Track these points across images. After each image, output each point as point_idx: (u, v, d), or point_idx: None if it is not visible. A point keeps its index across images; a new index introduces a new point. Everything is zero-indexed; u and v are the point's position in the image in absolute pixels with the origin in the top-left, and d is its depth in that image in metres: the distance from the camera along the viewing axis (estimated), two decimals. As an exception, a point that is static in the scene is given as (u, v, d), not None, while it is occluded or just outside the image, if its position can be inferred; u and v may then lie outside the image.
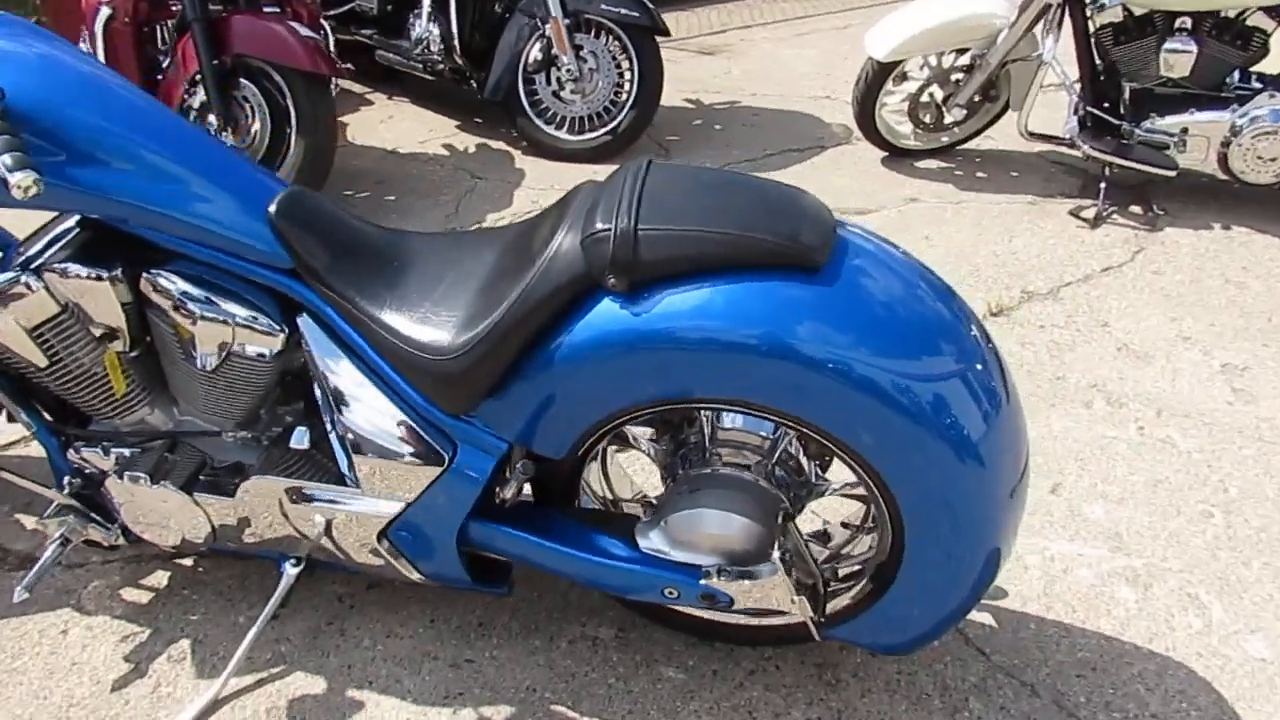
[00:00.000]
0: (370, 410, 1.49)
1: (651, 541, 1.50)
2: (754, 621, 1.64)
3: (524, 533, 1.54)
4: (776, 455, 1.51)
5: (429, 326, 1.41)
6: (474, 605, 1.83)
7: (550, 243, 1.33)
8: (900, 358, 1.28)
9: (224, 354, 1.52)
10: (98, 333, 1.55)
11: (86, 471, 1.69)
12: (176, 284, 1.49)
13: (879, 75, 3.57)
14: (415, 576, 1.64)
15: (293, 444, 1.58)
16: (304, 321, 1.50)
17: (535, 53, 3.79)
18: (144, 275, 1.50)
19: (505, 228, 1.56)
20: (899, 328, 1.29)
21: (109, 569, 1.91)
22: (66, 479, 1.70)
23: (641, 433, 1.61)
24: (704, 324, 1.27)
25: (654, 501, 1.67)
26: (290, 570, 1.68)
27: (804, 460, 1.55)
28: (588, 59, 3.78)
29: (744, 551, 1.45)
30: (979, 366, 1.35)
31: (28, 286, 1.48)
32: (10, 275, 1.48)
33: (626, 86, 3.82)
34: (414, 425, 1.47)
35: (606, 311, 1.31)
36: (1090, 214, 3.35)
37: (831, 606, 1.58)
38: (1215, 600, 1.86)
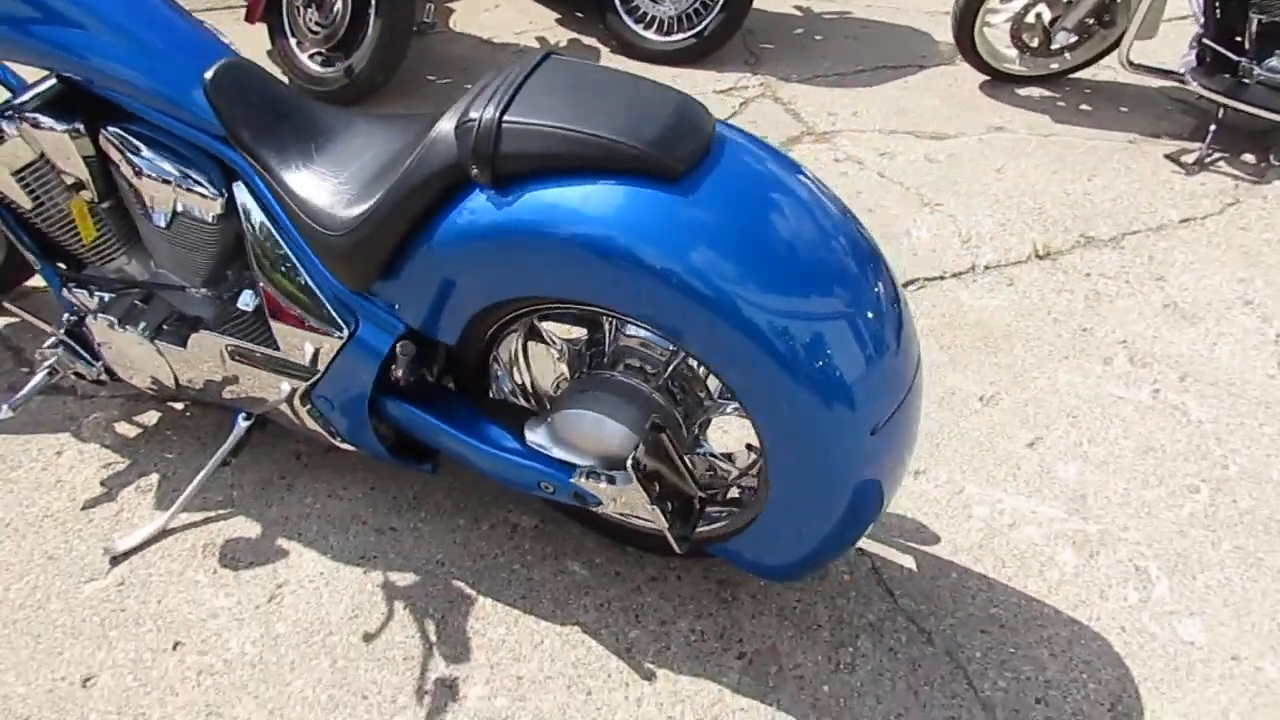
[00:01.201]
0: (286, 277, 1.57)
1: (536, 436, 1.54)
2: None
3: (424, 413, 1.60)
4: (671, 368, 1.50)
5: (330, 202, 1.46)
6: (415, 480, 1.92)
7: (431, 129, 1.34)
8: (749, 280, 1.24)
9: (171, 213, 1.63)
10: (69, 181, 1.68)
11: (77, 310, 1.85)
12: (127, 142, 1.59)
13: (980, -8, 3.33)
14: (339, 443, 1.73)
15: (240, 304, 1.69)
16: (237, 187, 1.58)
17: (626, -50, 3.72)
18: (101, 131, 1.60)
19: (427, 112, 1.58)
20: (757, 249, 1.25)
21: (111, 403, 2.10)
22: (64, 316, 1.87)
23: (555, 328, 1.63)
24: (557, 224, 1.27)
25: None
26: (242, 423, 1.80)
27: (701, 376, 1.53)
28: (679, -44, 3.67)
29: (615, 456, 1.47)
30: (851, 301, 1.29)
31: (3, 132, 1.61)
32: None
33: (719, -12, 3.70)
34: (320, 296, 1.54)
35: (472, 202, 1.32)
36: (1190, 159, 3.06)
37: (714, 527, 1.58)
38: (1164, 577, 1.75)
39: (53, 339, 1.89)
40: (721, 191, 1.27)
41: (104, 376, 1.90)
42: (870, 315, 1.31)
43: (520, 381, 1.68)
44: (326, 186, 1.48)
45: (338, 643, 1.63)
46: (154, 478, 1.93)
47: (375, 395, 1.60)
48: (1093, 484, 1.94)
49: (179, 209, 1.62)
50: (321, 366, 1.61)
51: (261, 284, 1.60)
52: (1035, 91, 3.57)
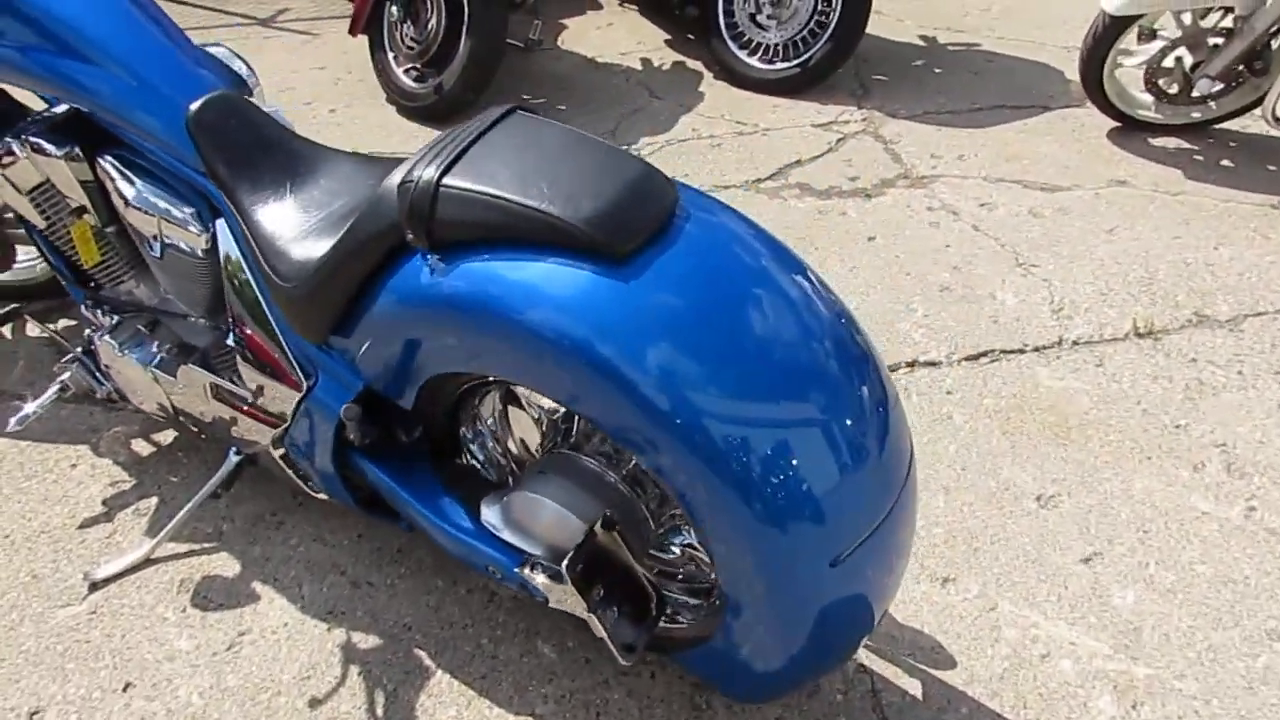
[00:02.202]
0: (255, 321, 1.51)
1: (489, 514, 1.42)
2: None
3: (383, 473, 1.50)
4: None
5: (288, 248, 1.39)
6: (402, 532, 1.84)
7: (381, 184, 1.24)
8: (691, 380, 1.08)
9: (161, 243, 1.59)
10: (72, 205, 1.67)
11: (94, 329, 1.86)
12: (120, 170, 1.56)
13: (1111, 30, 3.02)
14: (314, 493, 1.67)
15: (227, 341, 1.64)
16: (218, 224, 1.53)
17: (737, -31, 3.58)
18: (97, 159, 1.58)
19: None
20: (704, 344, 1.10)
21: (135, 417, 2.10)
22: (85, 333, 1.88)
23: (535, 394, 1.51)
24: (489, 300, 1.15)
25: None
26: (232, 458, 1.76)
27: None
28: (790, -19, 3.50)
29: (563, 548, 1.33)
30: (818, 415, 1.12)
31: (13, 154, 1.61)
32: (4, 142, 1.62)
33: (831, 16, 3.51)
34: (284, 343, 1.47)
35: (411, 266, 1.22)
36: (1342, 232, 2.68)
37: (677, 629, 1.42)
38: (1218, 745, 1.49)
39: (70, 356, 1.90)
40: (671, 277, 1.12)
41: (114, 396, 1.90)
42: (841, 433, 1.13)
43: (494, 449, 1.57)
44: (289, 231, 1.40)
45: (282, 705, 1.55)
46: (153, 501, 1.92)
47: (340, 449, 1.52)
48: (1151, 616, 1.67)
49: (168, 240, 1.58)
50: (288, 415, 1.54)
51: (235, 325, 1.55)
52: (1170, 143, 3.22)
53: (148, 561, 1.80)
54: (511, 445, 1.54)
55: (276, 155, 1.50)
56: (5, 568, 1.78)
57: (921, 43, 4.09)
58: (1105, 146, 3.23)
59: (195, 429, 1.81)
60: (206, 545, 1.83)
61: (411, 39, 3.43)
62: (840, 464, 1.13)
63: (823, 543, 1.14)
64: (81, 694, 1.58)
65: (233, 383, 1.62)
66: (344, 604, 1.72)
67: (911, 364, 2.26)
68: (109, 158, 1.57)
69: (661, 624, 1.40)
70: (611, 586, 1.31)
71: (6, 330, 2.33)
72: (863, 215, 2.85)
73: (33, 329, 2.35)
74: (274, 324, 1.48)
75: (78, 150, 1.59)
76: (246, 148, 1.49)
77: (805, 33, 3.56)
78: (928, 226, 2.80)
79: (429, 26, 3.35)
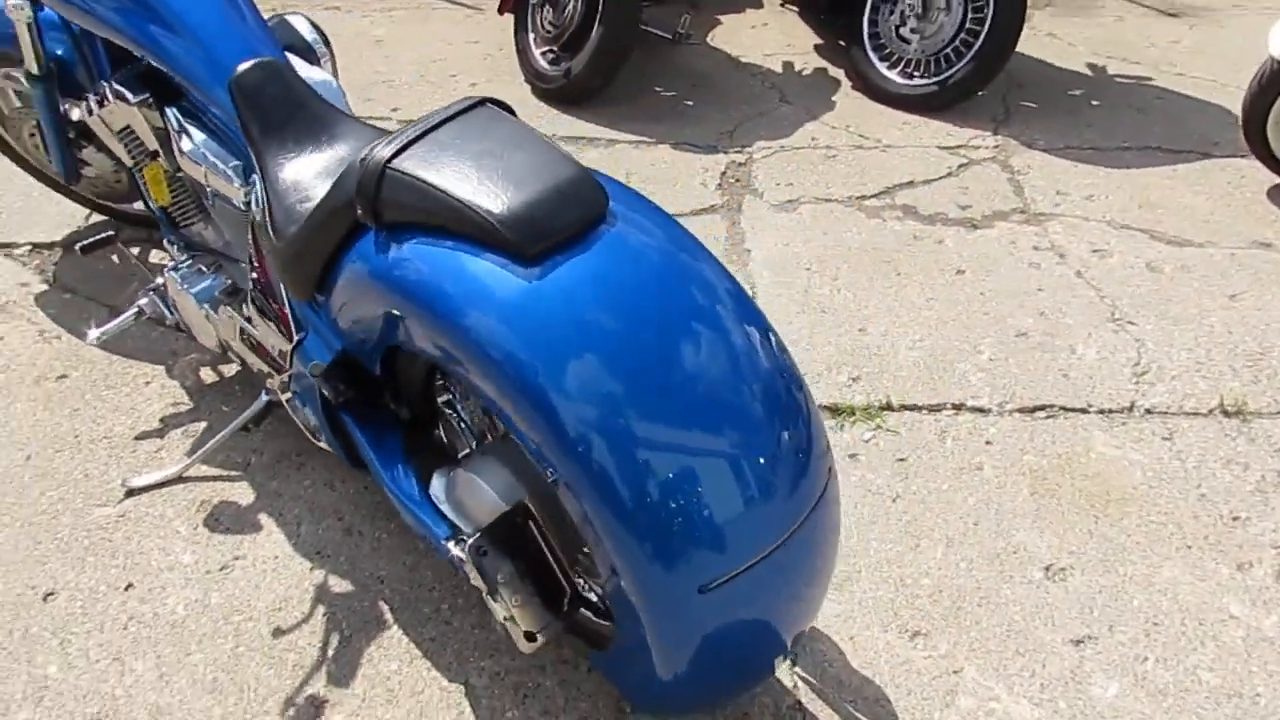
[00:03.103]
0: (264, 273, 1.62)
1: (434, 486, 1.48)
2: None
3: (359, 433, 1.59)
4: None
5: (288, 209, 1.48)
6: (402, 489, 1.93)
7: (355, 156, 1.32)
8: (573, 384, 1.10)
9: (210, 192, 1.74)
10: (148, 149, 1.84)
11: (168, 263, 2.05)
12: (178, 122, 1.71)
13: (1278, 77, 2.76)
14: (313, 439, 1.78)
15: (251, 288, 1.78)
16: (255, 180, 1.65)
17: (886, -20, 3.48)
18: (165, 109, 1.74)
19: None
20: (590, 351, 1.11)
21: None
22: (167, 264, 2.07)
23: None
24: (415, 283, 1.20)
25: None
26: (263, 397, 1.91)
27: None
28: (942, -5, 3.38)
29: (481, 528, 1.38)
30: (699, 436, 1.11)
31: (107, 98, 1.80)
32: (99, 86, 1.81)
33: (978, 36, 3.36)
34: (284, 296, 1.58)
35: (363, 241, 1.29)
36: None
37: (592, 626, 1.44)
38: None
39: (152, 284, 2.10)
40: (573, 282, 1.13)
41: (181, 326, 2.08)
42: (722, 461, 1.12)
43: (460, 426, 1.63)
44: (293, 193, 1.50)
45: (249, 629, 1.68)
46: (202, 425, 2.09)
47: (327, 404, 1.62)
48: (1130, 715, 1.55)
49: (214, 189, 1.72)
50: (284, 365, 1.65)
51: (255, 274, 1.67)
52: (1336, 208, 2.91)
53: (180, 479, 1.96)
54: (476, 424, 1.60)
55: (304, 121, 1.60)
56: (65, 464, 1.99)
57: (1087, 71, 3.84)
58: (1259, 204, 2.96)
59: (241, 366, 1.97)
60: (232, 473, 1.98)
61: (550, 22, 3.53)
62: (716, 492, 1.11)
63: (690, 568, 1.13)
64: (90, 585, 1.75)
65: (254, 328, 1.75)
66: (331, 548, 1.83)
67: (957, 407, 2.17)
68: (174, 109, 1.72)
69: (589, 622, 1.43)
70: (523, 574, 1.34)
71: (119, 256, 2.57)
72: (960, 246, 2.73)
73: (156, 256, 2.60)
74: (275, 278, 1.59)
75: (151, 100, 1.75)
76: (279, 112, 1.59)
77: (949, 50, 3.42)
78: (1026, 266, 2.65)
79: (566, 11, 3.43)
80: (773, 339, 1.21)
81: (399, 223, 1.23)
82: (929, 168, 3.14)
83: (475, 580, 1.32)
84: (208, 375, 2.23)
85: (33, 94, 2.04)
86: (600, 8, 3.28)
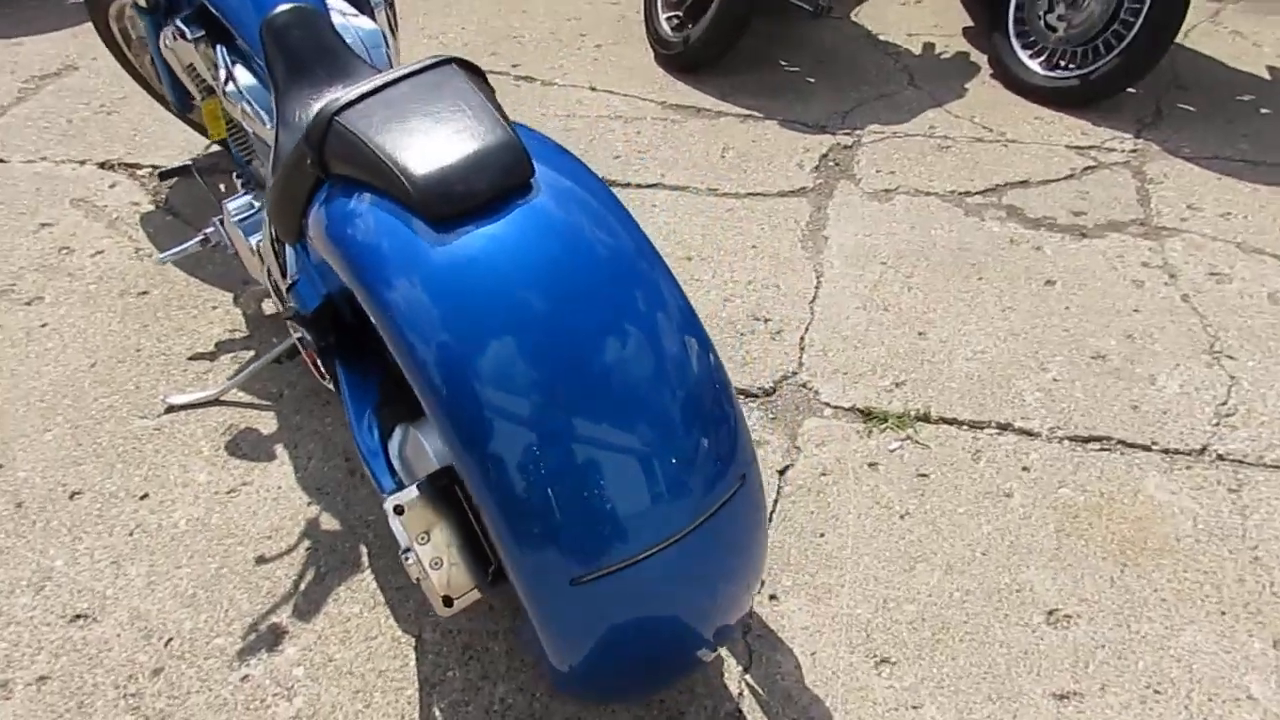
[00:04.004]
0: (271, 214, 1.68)
1: (392, 439, 1.50)
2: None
3: (344, 381, 1.63)
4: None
5: (281, 154, 1.52)
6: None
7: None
8: (459, 354, 1.08)
9: (250, 130, 1.81)
10: (207, 84, 1.93)
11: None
12: (224, 61, 1.79)
13: None
14: (320, 377, 1.84)
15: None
16: None
17: (1039, -40, 3.23)
18: (217, 47, 1.82)
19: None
20: (484, 325, 1.08)
21: (276, 282, 2.41)
22: None
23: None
24: (344, 236, 1.21)
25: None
26: (294, 334, 1.99)
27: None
28: (1093, -20, 3.11)
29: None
30: (589, 424, 1.07)
31: (172, 36, 1.90)
32: (169, 25, 1.92)
33: (1130, 29, 3.07)
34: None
35: (321, 192, 1.31)
36: None
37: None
38: None
39: (219, 214, 2.21)
40: (477, 249, 1.11)
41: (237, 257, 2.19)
42: (608, 452, 1.08)
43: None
44: (291, 137, 1.53)
45: (237, 553, 1.76)
46: (250, 353, 2.20)
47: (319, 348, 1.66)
48: (1093, 786, 1.41)
49: (251, 128, 1.79)
50: (290, 302, 1.71)
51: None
52: None
53: (216, 401, 2.07)
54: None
55: (324, 68, 1.62)
56: (123, 374, 2.14)
57: (1265, 75, 3.45)
58: None
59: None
60: (263, 402, 2.08)
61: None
62: (594, 485, 1.07)
63: (561, 560, 1.09)
64: (112, 490, 1.88)
65: (274, 266, 1.82)
66: (332, 486, 1.89)
67: (1003, 427, 2.01)
68: (223, 49, 1.79)
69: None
70: (450, 539, 1.34)
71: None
72: (1059, 255, 2.53)
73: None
74: (274, 220, 1.63)
75: (206, 39, 1.83)
76: (302, 56, 1.63)
77: (1098, 41, 3.14)
78: (1127, 284, 2.42)
79: (683, -22, 3.36)
80: (693, 330, 1.15)
81: (340, 175, 1.24)
82: (1050, 167, 2.91)
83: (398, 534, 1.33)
84: (269, 307, 2.34)
85: (145, 26, 2.17)
86: (721, -24, 3.19)
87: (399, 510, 1.28)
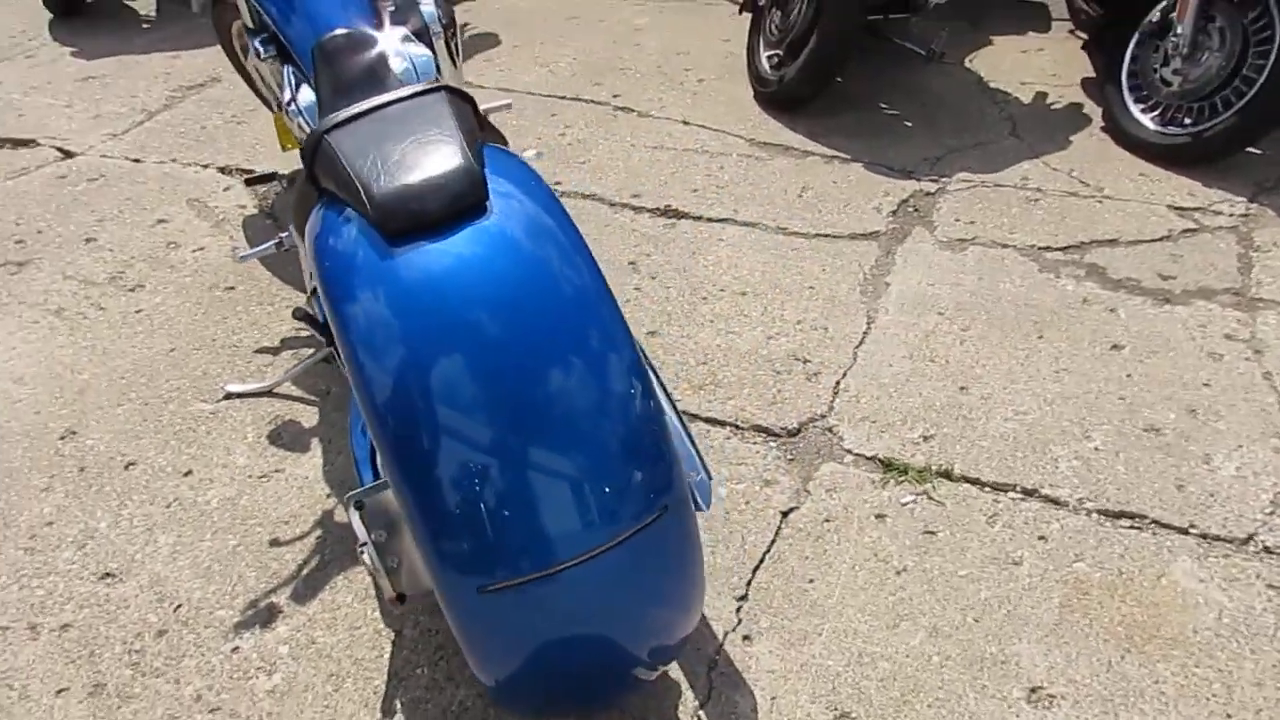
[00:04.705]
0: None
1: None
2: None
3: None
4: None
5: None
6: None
7: None
8: (393, 369, 1.15)
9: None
10: (278, 99, 2.10)
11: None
12: (288, 79, 1.94)
13: None
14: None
15: None
16: None
17: (1157, 12, 3.11)
18: (285, 66, 1.97)
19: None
20: (422, 339, 1.15)
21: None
22: None
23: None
24: (320, 246, 1.30)
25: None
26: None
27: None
28: (1213, 34, 2.96)
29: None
30: (506, 440, 1.12)
31: (255, 54, 2.08)
32: (253, 45, 2.09)
33: (1250, 88, 2.91)
34: None
35: (315, 203, 1.41)
36: None
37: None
38: None
39: (296, 220, 2.38)
40: (422, 267, 1.18)
41: (311, 261, 2.35)
42: (523, 468, 1.12)
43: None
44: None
45: (255, 534, 1.89)
46: (308, 352, 2.35)
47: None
48: None
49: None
50: (310, 307, 1.83)
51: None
52: None
53: (270, 393, 2.23)
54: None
55: (364, 91, 1.73)
56: (195, 361, 2.33)
57: None
58: None
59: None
60: (310, 398, 2.22)
61: (777, 25, 3.49)
62: (505, 498, 1.12)
63: (467, 567, 1.14)
64: (162, 464, 2.05)
65: None
66: (351, 482, 1.99)
67: (1028, 492, 1.94)
68: (289, 68, 1.94)
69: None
70: (408, 541, 1.41)
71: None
72: (1134, 319, 2.41)
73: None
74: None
75: (276, 58, 1.99)
76: (347, 79, 1.74)
77: (1216, 98, 2.98)
78: (1203, 355, 2.29)
79: (793, 16, 3.38)
80: (628, 362, 1.18)
81: (325, 190, 1.33)
82: (1145, 227, 2.78)
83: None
84: (337, 310, 2.49)
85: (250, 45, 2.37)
86: (821, 13, 3.20)
87: (359, 505, 1.35)
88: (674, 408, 1.53)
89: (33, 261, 2.72)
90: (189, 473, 2.03)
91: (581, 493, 1.14)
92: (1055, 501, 1.91)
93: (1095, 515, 1.88)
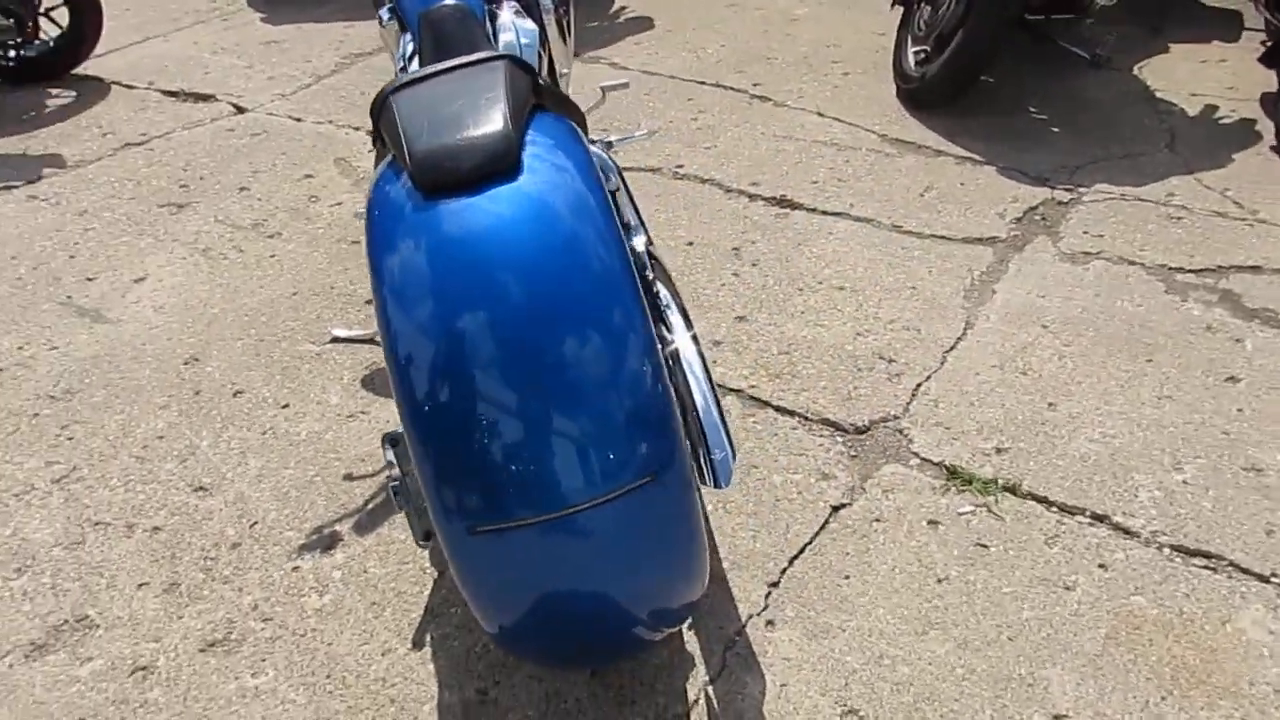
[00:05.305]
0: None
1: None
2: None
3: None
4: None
5: None
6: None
7: None
8: (412, 314, 1.22)
9: None
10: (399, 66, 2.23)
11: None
12: (402, 46, 2.06)
13: None
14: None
15: None
16: None
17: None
18: (403, 35, 2.10)
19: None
20: (442, 289, 1.21)
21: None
22: None
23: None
24: (370, 199, 1.39)
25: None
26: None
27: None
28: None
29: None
30: (501, 392, 1.18)
31: (380, 22, 2.22)
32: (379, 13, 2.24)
33: None
34: None
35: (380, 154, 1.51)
36: None
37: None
38: None
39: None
40: (451, 223, 1.24)
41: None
42: (521, 420, 1.18)
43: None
44: None
45: (332, 467, 2.04)
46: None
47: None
48: None
49: None
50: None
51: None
52: None
53: (370, 340, 2.36)
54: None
55: (450, 41, 1.82)
56: (311, 306, 2.52)
57: None
58: None
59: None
60: (406, 349, 2.35)
61: (925, 21, 3.41)
62: (500, 446, 1.17)
63: (459, 507, 1.21)
64: (264, 395, 2.23)
65: None
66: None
67: (1099, 518, 1.85)
68: (405, 36, 2.07)
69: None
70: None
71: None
72: (1260, 352, 2.24)
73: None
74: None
75: (397, 28, 2.11)
76: (448, 48, 1.84)
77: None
78: (1331, 397, 2.11)
79: (942, 10, 3.29)
80: (638, 333, 1.22)
81: (385, 150, 1.42)
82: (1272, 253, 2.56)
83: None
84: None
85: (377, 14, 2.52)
86: (970, 9, 3.10)
87: (393, 442, 1.45)
88: (710, 384, 1.55)
89: (191, 204, 2.99)
90: (286, 405, 2.19)
91: (569, 450, 1.18)
92: (1126, 531, 1.81)
93: (1167, 550, 1.77)
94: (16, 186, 3.11)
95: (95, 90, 3.77)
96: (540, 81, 1.46)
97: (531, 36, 2.02)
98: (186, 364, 2.33)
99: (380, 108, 1.40)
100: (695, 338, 1.67)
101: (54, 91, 3.76)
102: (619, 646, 1.47)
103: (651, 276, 1.83)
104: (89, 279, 2.65)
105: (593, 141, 2.21)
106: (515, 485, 1.18)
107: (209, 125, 3.49)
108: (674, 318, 1.70)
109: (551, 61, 2.21)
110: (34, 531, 1.89)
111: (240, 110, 3.59)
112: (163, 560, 1.83)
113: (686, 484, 1.28)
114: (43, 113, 3.61)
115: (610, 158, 1.97)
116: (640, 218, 1.90)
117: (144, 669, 1.64)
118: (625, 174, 3.01)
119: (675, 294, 1.78)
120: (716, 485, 1.41)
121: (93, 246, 2.79)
